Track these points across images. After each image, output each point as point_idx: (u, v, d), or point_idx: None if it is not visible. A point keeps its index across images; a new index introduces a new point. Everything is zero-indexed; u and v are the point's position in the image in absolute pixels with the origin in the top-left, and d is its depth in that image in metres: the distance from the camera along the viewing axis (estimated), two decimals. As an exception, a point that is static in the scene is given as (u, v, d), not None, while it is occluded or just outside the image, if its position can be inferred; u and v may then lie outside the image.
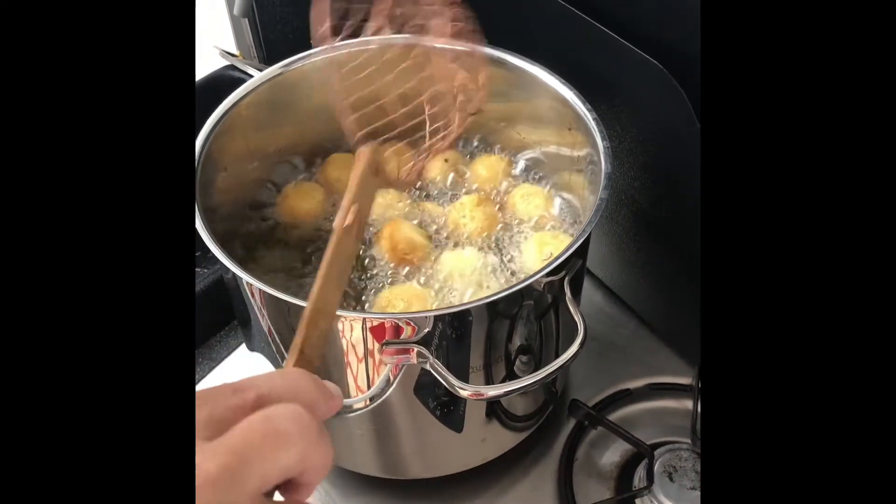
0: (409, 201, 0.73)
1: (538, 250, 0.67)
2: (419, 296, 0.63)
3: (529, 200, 0.71)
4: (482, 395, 0.55)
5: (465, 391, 0.54)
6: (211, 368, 0.80)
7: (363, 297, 0.66)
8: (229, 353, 0.81)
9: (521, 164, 0.77)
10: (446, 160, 0.75)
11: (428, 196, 0.75)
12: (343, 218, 0.51)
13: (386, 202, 0.72)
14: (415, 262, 0.67)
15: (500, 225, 0.72)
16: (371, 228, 0.70)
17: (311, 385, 0.38)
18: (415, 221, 0.72)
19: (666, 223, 0.73)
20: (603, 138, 0.62)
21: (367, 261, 0.68)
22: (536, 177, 0.76)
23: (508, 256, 0.69)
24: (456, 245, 0.70)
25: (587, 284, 0.85)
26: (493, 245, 0.70)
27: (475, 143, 0.79)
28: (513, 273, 0.68)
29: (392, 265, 0.67)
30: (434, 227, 0.72)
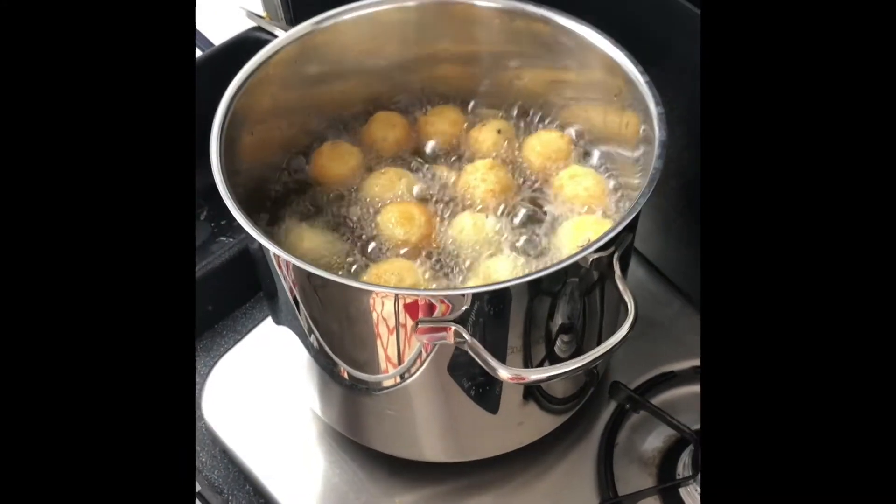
0: (412, 175, 0.69)
1: (575, 236, 0.62)
2: (409, 269, 0.60)
3: (578, 182, 0.66)
4: (523, 378, 0.51)
5: (505, 374, 0.50)
6: (236, 341, 0.77)
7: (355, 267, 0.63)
8: (255, 326, 0.78)
9: (576, 138, 0.71)
10: (499, 131, 0.71)
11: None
12: None
13: (387, 179, 0.68)
14: (413, 241, 0.64)
15: (518, 195, 0.68)
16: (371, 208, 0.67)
17: None
18: (418, 187, 0.68)
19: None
20: (656, 104, 0.58)
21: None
22: (583, 150, 0.71)
23: (539, 238, 0.65)
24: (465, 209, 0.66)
25: (631, 260, 0.81)
26: (520, 222, 0.66)
27: (534, 117, 0.74)
28: (539, 253, 0.64)
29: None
30: (442, 188, 0.68)
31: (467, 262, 0.63)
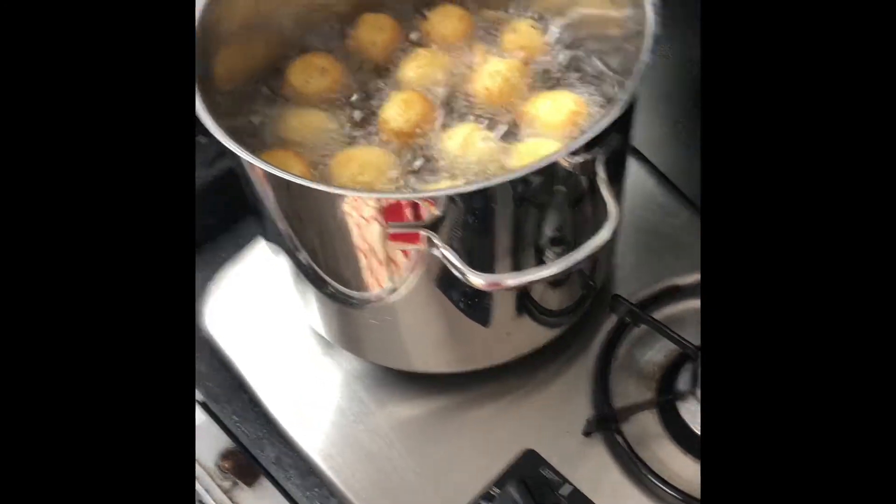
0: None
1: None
2: (377, 164, 0.57)
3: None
4: (498, 284, 0.50)
5: (478, 280, 0.48)
6: (237, 254, 0.77)
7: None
8: (250, 241, 0.77)
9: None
10: (533, 26, 0.66)
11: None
12: None
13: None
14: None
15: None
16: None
17: None
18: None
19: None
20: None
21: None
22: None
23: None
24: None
25: (638, 169, 0.77)
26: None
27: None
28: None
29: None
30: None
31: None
